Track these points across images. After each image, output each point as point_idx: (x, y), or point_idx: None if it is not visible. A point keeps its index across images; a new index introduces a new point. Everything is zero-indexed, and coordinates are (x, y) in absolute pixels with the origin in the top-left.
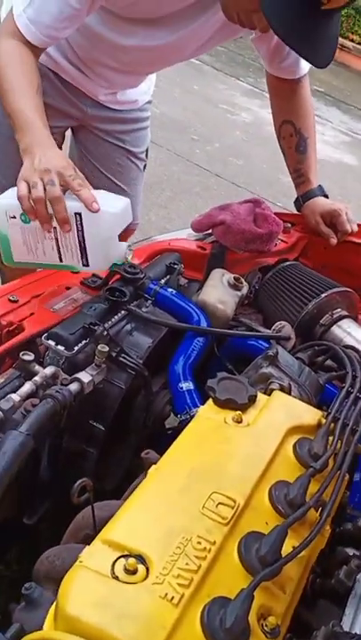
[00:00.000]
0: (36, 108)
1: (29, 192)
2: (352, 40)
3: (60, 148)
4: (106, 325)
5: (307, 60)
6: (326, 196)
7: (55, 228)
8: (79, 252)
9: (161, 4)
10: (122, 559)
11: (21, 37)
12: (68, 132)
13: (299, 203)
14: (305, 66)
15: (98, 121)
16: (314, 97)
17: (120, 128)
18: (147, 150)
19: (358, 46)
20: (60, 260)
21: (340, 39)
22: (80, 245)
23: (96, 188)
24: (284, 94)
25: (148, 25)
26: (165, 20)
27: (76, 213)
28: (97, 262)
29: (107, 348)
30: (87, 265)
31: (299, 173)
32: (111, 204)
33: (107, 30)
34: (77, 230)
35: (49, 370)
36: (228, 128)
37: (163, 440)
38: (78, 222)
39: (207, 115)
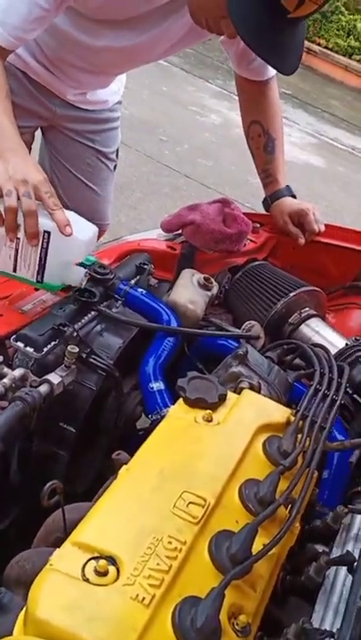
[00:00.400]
0: (6, 113)
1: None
2: (318, 44)
3: (30, 148)
4: (76, 326)
5: (273, 67)
6: (294, 197)
7: (19, 239)
8: (37, 267)
9: (127, 7)
10: (92, 561)
11: None
12: (38, 133)
13: (267, 203)
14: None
15: (67, 121)
16: (281, 99)
17: (90, 128)
18: (117, 150)
19: (324, 50)
20: (14, 271)
21: (307, 43)
22: (40, 262)
23: (67, 188)
24: (253, 95)
25: (116, 26)
26: (133, 21)
27: (45, 231)
28: (51, 281)
29: (76, 349)
30: (41, 282)
31: (267, 174)
32: (82, 231)
33: (75, 31)
34: (42, 247)
35: (18, 372)
36: (197, 129)
37: (134, 441)
38: (45, 240)
39: (176, 116)
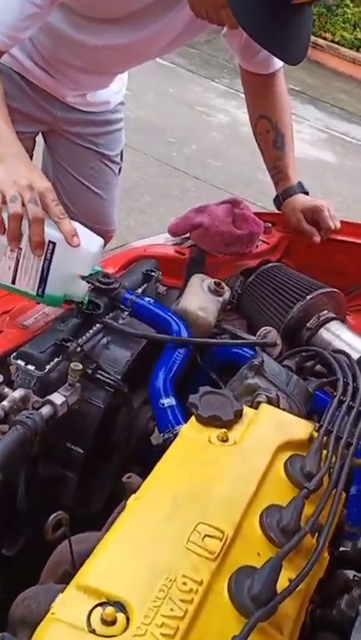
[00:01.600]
0: (3, 118)
1: (3, 203)
2: (325, 38)
3: (31, 154)
4: (80, 341)
5: (277, 57)
6: (307, 193)
7: (21, 249)
8: (38, 280)
9: (121, 5)
10: (99, 608)
11: None
12: (39, 139)
13: (278, 201)
14: (278, 60)
15: (68, 124)
16: (289, 95)
17: (92, 131)
18: (121, 153)
19: (331, 44)
20: (13, 283)
21: (313, 37)
22: (42, 274)
23: (71, 193)
24: (259, 89)
25: (113, 24)
26: (130, 18)
27: (50, 241)
28: (53, 295)
29: (80, 366)
30: (41, 296)
31: (277, 170)
32: (90, 242)
33: (70, 29)
34: (45, 259)
35: (18, 393)
36: (204, 130)
37: (149, 457)
38: (49, 251)
39: (183, 117)
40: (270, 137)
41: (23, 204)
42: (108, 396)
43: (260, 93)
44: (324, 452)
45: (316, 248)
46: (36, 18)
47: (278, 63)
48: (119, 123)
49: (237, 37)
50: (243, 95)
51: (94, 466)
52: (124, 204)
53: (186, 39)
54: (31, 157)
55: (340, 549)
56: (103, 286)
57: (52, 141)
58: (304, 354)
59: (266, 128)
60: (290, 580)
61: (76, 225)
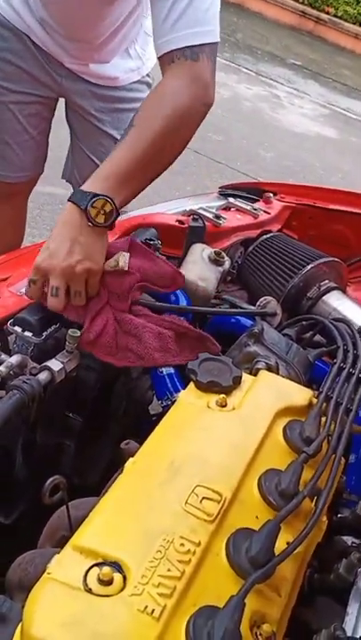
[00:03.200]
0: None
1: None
2: (327, 12)
3: (50, 123)
4: None
5: None
6: None
7: None
8: None
9: None
10: (95, 568)
11: None
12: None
13: None
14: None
15: (74, 94)
16: (291, 70)
17: (98, 105)
18: None
19: (334, 19)
20: None
21: (316, 12)
22: None
23: (81, 169)
24: None
25: None
26: None
27: None
28: None
29: (78, 333)
30: None
31: None
32: None
33: None
34: None
35: (15, 358)
36: None
37: (147, 427)
38: None
39: None
40: None
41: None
42: (105, 364)
43: None
44: (324, 418)
45: (318, 218)
46: None
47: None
48: (131, 102)
49: None
50: (244, 70)
51: (93, 435)
52: None
53: None
54: (50, 128)
55: (339, 516)
56: None
57: (68, 116)
58: (304, 322)
59: None
60: (288, 544)
61: None
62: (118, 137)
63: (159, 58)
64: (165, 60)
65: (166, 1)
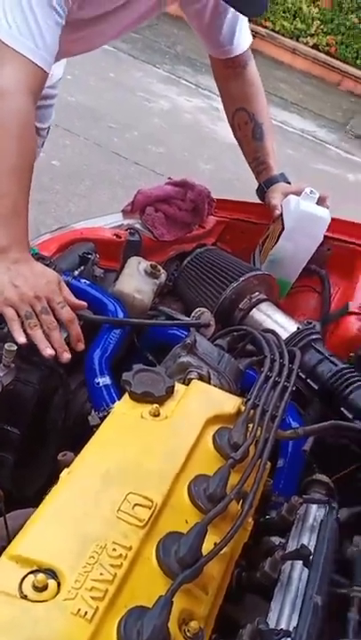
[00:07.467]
0: (27, 195)
1: (19, 317)
2: (265, 27)
3: None
4: None
5: (236, 9)
6: (289, 183)
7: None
8: None
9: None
10: (30, 575)
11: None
12: None
13: (262, 190)
14: (244, 40)
15: None
16: None
17: None
18: (48, 129)
19: (271, 33)
20: None
21: (253, 26)
22: None
23: None
24: (232, 81)
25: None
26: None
27: None
28: None
29: (15, 347)
30: None
31: (258, 162)
32: None
33: None
34: None
35: None
36: (146, 116)
37: (86, 439)
38: None
39: (124, 102)
40: (249, 128)
41: (37, 315)
42: (43, 377)
43: (233, 85)
44: (251, 425)
45: (251, 232)
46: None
47: (245, 43)
48: (53, 99)
49: (200, 17)
50: (184, 82)
51: (31, 447)
52: (64, 189)
53: (133, 27)
54: None
55: (267, 517)
56: None
57: None
58: (236, 333)
59: (244, 120)
60: (215, 544)
61: None
62: (41, 129)
63: None
64: None
65: None
